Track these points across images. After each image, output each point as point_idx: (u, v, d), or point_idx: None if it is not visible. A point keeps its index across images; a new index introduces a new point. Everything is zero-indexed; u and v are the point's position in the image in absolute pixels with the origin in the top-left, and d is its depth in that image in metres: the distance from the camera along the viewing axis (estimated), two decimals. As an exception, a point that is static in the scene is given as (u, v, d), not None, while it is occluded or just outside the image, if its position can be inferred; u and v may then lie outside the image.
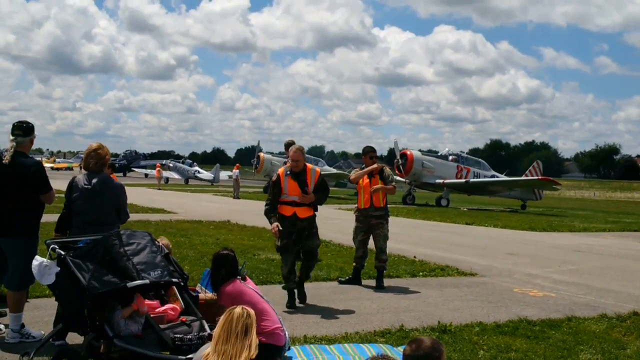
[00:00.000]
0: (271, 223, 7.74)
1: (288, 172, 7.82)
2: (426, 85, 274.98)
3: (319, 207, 8.12)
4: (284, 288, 8.04)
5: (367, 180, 9.53)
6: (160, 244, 5.77)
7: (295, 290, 7.99)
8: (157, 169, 46.94)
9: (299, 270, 8.14)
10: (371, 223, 9.53)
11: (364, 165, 9.95)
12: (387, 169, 9.68)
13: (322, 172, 8.16)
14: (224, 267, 5.78)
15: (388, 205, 9.77)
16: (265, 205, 7.87)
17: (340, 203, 33.41)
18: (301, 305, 7.95)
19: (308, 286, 9.08)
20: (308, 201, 7.78)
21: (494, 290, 9.58)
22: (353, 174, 9.76)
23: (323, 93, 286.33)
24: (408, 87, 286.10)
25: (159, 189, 42.41)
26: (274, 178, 7.86)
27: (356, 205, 9.78)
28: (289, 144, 12.27)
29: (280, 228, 7.65)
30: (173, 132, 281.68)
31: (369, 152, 9.67)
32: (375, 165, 9.52)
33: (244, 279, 5.79)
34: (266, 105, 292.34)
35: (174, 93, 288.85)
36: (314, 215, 8.01)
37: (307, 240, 7.89)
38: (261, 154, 44.11)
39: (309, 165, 7.95)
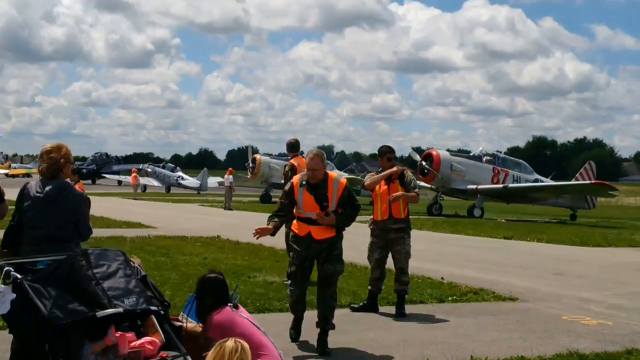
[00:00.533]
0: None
1: (304, 182, 7.43)
2: (455, 72, 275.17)
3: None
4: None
5: (385, 187, 9.53)
6: (136, 264, 5.77)
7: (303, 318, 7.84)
8: (133, 175, 47.14)
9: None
10: (390, 238, 9.52)
11: (380, 169, 9.93)
12: (409, 173, 9.68)
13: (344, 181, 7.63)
14: (212, 293, 5.78)
15: (410, 217, 9.76)
16: (272, 212, 7.61)
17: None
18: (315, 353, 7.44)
19: (313, 314, 9.07)
20: (327, 223, 7.40)
21: (538, 318, 9.56)
22: (368, 179, 9.76)
23: (331, 82, 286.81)
24: (433, 74, 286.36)
25: (135, 199, 42.55)
26: (286, 187, 7.62)
27: (371, 216, 9.77)
28: (292, 144, 12.33)
29: (259, 233, 7.23)
30: (151, 130, 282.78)
31: (387, 152, 9.68)
32: (394, 169, 9.52)
33: (235, 307, 5.79)
34: (262, 98, 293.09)
35: (152, 84, 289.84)
36: (337, 237, 7.57)
37: (323, 264, 7.53)
38: (257, 156, 44.25)
39: (331, 173, 7.56)
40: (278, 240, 14.58)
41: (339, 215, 7.47)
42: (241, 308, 5.89)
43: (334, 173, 7.69)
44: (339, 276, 7.73)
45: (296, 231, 7.61)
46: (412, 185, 9.56)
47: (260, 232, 7.31)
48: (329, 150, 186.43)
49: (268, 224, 7.44)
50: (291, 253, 7.71)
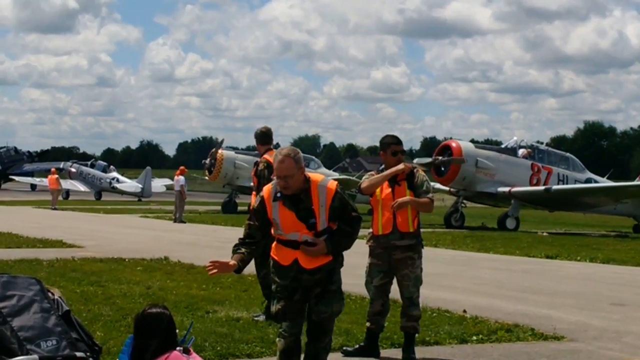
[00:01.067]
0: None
1: (278, 195, 7.22)
2: (480, 37, 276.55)
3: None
4: None
5: (389, 190, 9.55)
6: (56, 297, 5.78)
7: None
8: (52, 176, 46.95)
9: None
10: (394, 258, 9.55)
11: (382, 167, 9.93)
12: (421, 172, 9.70)
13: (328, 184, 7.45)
14: (154, 334, 5.78)
15: (421, 230, 9.79)
16: (239, 239, 7.41)
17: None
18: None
19: None
20: (314, 254, 7.19)
21: (592, 363, 9.58)
22: (366, 181, 9.77)
23: (316, 51, 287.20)
24: (451, 39, 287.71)
25: (54, 209, 42.41)
26: (255, 204, 7.39)
27: (370, 230, 9.79)
28: (263, 134, 12.32)
29: (216, 268, 7.02)
30: (76, 117, 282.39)
31: (391, 144, 9.69)
32: (401, 166, 9.53)
33: (186, 352, 5.80)
34: (225, 73, 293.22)
35: (77, 54, 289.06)
36: (335, 264, 7.40)
37: (316, 304, 7.37)
38: (218, 151, 44.17)
39: (314, 177, 7.33)
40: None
41: (331, 237, 7.26)
42: (194, 354, 5.90)
43: (318, 175, 7.41)
44: (334, 318, 7.55)
45: (277, 259, 7.38)
46: (424, 189, 9.57)
47: (217, 268, 7.02)
48: (313, 143, 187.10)
49: (232, 257, 7.21)
50: (273, 286, 7.55)
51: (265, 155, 11.58)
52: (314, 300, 7.32)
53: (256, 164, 11.87)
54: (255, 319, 11.11)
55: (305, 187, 7.16)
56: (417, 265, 9.58)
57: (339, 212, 7.22)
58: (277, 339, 7.51)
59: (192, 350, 5.95)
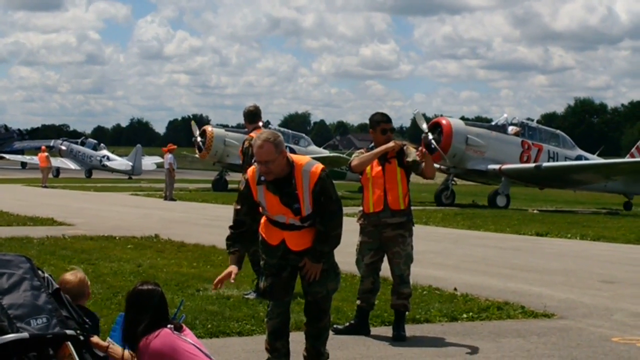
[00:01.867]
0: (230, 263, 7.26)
1: (262, 178, 7.09)
2: (469, 13, 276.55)
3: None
4: None
5: (379, 168, 9.54)
6: (47, 275, 5.76)
7: None
8: (44, 154, 46.80)
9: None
10: (385, 236, 9.55)
11: (372, 145, 9.92)
12: (411, 149, 9.68)
13: (305, 154, 7.54)
14: (146, 310, 5.79)
15: (412, 207, 9.79)
16: (230, 227, 7.40)
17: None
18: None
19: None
20: (316, 270, 7.20)
21: (581, 341, 9.61)
22: (356, 159, 9.75)
23: (304, 28, 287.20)
24: (440, 15, 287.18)
25: (45, 187, 42.35)
26: (241, 187, 7.32)
27: (361, 208, 9.79)
28: (251, 113, 12.32)
29: (232, 280, 7.09)
30: (65, 94, 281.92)
31: (381, 122, 9.68)
32: (391, 144, 9.52)
33: (178, 329, 5.81)
34: (214, 50, 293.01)
35: (65, 32, 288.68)
36: None
37: (309, 286, 7.30)
38: (208, 128, 44.12)
39: (298, 159, 7.17)
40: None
41: (312, 251, 7.16)
42: (186, 330, 5.91)
43: (303, 158, 7.25)
44: (330, 297, 7.49)
45: (265, 237, 7.32)
46: (417, 159, 9.56)
47: (222, 282, 7.09)
48: (303, 121, 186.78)
49: (230, 259, 7.25)
50: (262, 262, 7.47)
51: (252, 133, 11.61)
52: (307, 282, 7.27)
53: (243, 142, 11.92)
54: (246, 296, 11.12)
55: (288, 171, 7.02)
56: (408, 242, 9.59)
57: (318, 198, 7.03)
58: (265, 320, 7.53)
59: (184, 327, 5.95)
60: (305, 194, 7.01)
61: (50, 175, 52.26)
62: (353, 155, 10.01)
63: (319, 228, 7.11)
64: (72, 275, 6.46)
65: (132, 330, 5.79)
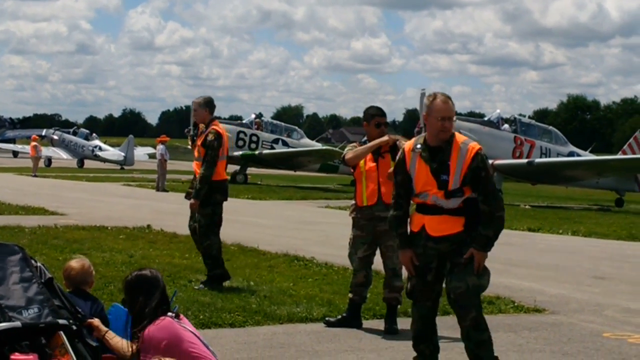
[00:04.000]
0: (402, 248, 7.12)
1: (418, 147, 6.98)
2: (459, 9, 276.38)
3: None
4: None
5: (373, 163, 9.53)
6: (39, 264, 5.76)
7: None
8: (33, 143, 46.65)
9: None
10: (378, 230, 9.54)
11: (365, 139, 9.90)
12: (401, 143, 9.68)
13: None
14: (154, 294, 5.79)
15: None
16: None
17: (328, 198, 33.47)
18: None
19: (276, 330, 9.09)
20: (482, 261, 7.02)
21: (573, 336, 9.63)
22: (350, 152, 9.74)
23: (295, 21, 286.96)
24: (430, 10, 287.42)
25: (35, 176, 42.21)
26: (399, 155, 7.27)
27: (354, 201, 9.79)
28: (209, 103, 12.27)
29: (416, 262, 6.96)
30: (57, 84, 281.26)
31: (375, 116, 9.66)
32: (385, 138, 9.50)
33: (176, 317, 5.81)
34: (205, 41, 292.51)
35: (56, 20, 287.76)
36: (464, 235, 6.96)
37: (450, 282, 6.98)
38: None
39: (458, 135, 7.05)
40: (229, 232, 14.58)
41: (476, 238, 6.94)
42: (183, 319, 5.91)
43: (462, 136, 7.13)
44: (476, 295, 7.10)
45: (411, 227, 7.12)
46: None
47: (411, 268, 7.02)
48: (296, 113, 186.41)
49: (400, 245, 7.16)
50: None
51: (213, 126, 11.59)
52: (448, 277, 6.98)
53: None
54: (196, 289, 11.02)
55: (451, 139, 6.92)
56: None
57: (478, 174, 6.83)
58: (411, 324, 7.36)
59: (182, 316, 5.95)
60: (458, 168, 6.84)
61: (42, 165, 52.11)
62: (347, 149, 10.00)
63: (483, 208, 6.85)
64: (77, 263, 6.47)
65: (141, 314, 5.75)
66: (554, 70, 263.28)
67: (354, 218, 9.72)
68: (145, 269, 6.01)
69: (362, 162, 9.57)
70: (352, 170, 9.90)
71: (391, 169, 8.75)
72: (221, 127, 11.62)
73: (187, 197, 11.67)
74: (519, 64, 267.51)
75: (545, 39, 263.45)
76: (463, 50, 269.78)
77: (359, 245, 9.62)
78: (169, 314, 5.76)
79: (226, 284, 11.46)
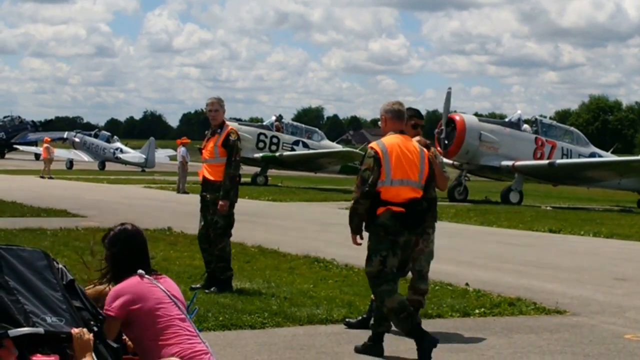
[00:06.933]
0: None
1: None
2: (476, 9, 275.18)
3: None
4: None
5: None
6: (60, 265, 5.79)
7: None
8: (45, 145, 46.36)
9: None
10: (409, 233, 9.53)
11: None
12: (434, 149, 9.69)
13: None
14: (143, 250, 6.09)
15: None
16: None
17: (348, 200, 33.40)
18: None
19: (296, 332, 9.10)
20: None
21: (594, 337, 9.61)
22: (381, 153, 9.70)
23: (312, 22, 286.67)
24: (447, 11, 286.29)
25: (51, 177, 42.13)
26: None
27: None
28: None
29: None
30: (77, 86, 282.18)
31: (414, 117, 9.60)
32: (417, 139, 9.47)
33: (153, 274, 5.99)
34: (223, 43, 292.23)
35: (74, 23, 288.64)
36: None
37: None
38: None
39: None
40: (249, 234, 14.61)
41: None
42: (165, 278, 6.04)
43: None
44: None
45: None
46: (441, 167, 9.62)
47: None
48: (317, 115, 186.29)
49: None
50: None
51: (229, 126, 11.67)
52: None
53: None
54: (207, 292, 10.97)
55: None
56: (431, 239, 9.58)
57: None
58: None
59: (164, 276, 6.08)
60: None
61: (65, 167, 52.40)
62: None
63: None
64: (91, 291, 6.51)
65: (121, 269, 5.96)
66: (573, 71, 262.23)
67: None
68: (127, 224, 6.19)
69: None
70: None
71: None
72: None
73: (203, 200, 11.64)
74: (538, 65, 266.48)
75: (564, 39, 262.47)
76: (481, 51, 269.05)
77: (388, 247, 9.61)
78: (139, 271, 5.84)
79: (246, 286, 11.48)
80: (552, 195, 42.32)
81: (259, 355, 8.02)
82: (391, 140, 8.36)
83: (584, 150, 37.62)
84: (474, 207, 30.99)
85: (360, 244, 8.34)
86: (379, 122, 9.07)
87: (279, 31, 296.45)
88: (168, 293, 5.81)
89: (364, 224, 8.32)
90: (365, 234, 8.37)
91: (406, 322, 8.05)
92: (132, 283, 5.79)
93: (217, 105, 11.70)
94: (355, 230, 8.34)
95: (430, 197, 9.11)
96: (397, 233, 8.19)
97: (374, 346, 8.37)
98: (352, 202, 8.27)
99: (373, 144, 8.38)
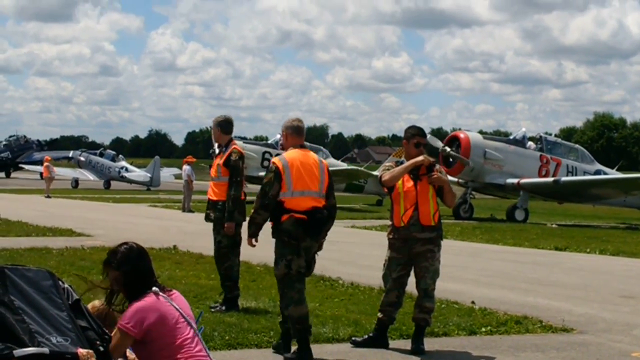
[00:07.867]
0: None
1: None
2: (479, 27, 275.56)
3: None
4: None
5: (411, 184, 9.50)
6: (66, 285, 5.78)
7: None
8: (45, 164, 46.10)
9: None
10: (415, 251, 9.51)
11: (400, 159, 9.92)
12: (439, 167, 9.71)
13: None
14: (149, 269, 6.06)
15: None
16: None
17: (354, 218, 33.42)
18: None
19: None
20: None
21: (601, 356, 9.59)
22: (387, 173, 9.65)
23: (315, 40, 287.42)
24: (450, 29, 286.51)
25: (48, 197, 41.72)
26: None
27: (391, 222, 9.75)
28: (228, 122, 12.24)
29: None
30: (81, 105, 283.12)
31: (416, 135, 9.63)
32: (420, 158, 9.45)
33: (162, 290, 5.96)
34: (227, 62, 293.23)
35: (77, 43, 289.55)
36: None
37: None
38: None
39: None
40: (254, 252, 14.53)
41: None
42: (175, 293, 6.06)
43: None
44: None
45: None
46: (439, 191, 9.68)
47: None
48: (322, 132, 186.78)
49: None
50: None
51: (233, 146, 11.68)
52: None
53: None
54: (212, 310, 11.00)
55: None
56: (436, 258, 9.59)
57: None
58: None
59: (174, 291, 6.11)
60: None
61: (70, 186, 52.34)
62: (382, 169, 10.05)
63: None
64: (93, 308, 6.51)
65: (134, 288, 5.98)
66: (576, 89, 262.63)
67: (391, 240, 9.70)
68: (129, 243, 6.28)
69: (399, 183, 9.53)
70: (385, 191, 9.96)
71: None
72: (240, 147, 11.76)
73: (207, 219, 11.67)
74: (541, 82, 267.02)
75: (566, 57, 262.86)
76: (484, 69, 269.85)
77: (394, 266, 9.62)
78: (154, 288, 5.86)
79: (252, 304, 11.47)
80: (558, 213, 42.28)
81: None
82: (292, 155, 9.05)
83: (589, 167, 37.63)
84: (480, 225, 30.98)
85: (254, 246, 9.18)
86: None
87: (282, 49, 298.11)
88: (182, 312, 5.82)
89: (260, 230, 9.05)
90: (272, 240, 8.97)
91: (299, 333, 8.73)
92: (151, 302, 5.80)
93: (213, 124, 11.89)
94: (252, 235, 9.11)
95: (330, 204, 9.27)
96: (300, 238, 8.78)
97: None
98: (252, 211, 8.96)
99: (275, 159, 9.06)
